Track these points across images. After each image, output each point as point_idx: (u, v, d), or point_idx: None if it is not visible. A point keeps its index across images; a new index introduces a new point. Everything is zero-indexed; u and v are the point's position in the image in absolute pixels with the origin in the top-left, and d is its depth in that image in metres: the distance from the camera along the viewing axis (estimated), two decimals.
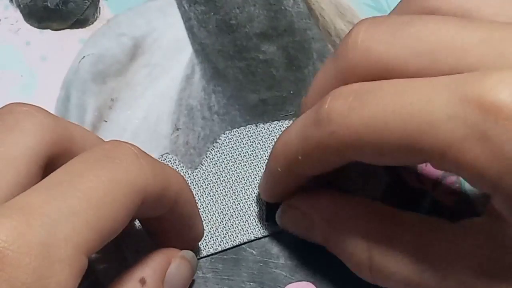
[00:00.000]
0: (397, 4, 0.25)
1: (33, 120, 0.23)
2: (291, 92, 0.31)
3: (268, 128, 0.30)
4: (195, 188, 0.29)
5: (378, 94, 0.21)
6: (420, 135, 0.20)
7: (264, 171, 0.27)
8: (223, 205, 0.29)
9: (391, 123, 0.21)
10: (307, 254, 0.28)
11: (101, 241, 0.21)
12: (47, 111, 0.24)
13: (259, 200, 0.29)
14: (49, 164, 0.23)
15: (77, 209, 0.20)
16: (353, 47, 0.23)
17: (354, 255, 0.25)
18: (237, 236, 0.29)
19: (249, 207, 0.29)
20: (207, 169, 0.30)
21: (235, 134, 0.30)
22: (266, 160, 0.30)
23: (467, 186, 0.29)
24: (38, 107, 0.24)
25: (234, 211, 0.29)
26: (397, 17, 0.23)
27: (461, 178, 0.29)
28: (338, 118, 0.22)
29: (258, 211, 0.29)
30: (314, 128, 0.23)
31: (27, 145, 0.22)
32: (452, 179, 0.30)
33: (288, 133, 0.25)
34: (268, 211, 0.29)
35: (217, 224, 0.29)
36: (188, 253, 0.26)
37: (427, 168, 0.30)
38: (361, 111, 0.21)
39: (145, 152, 0.23)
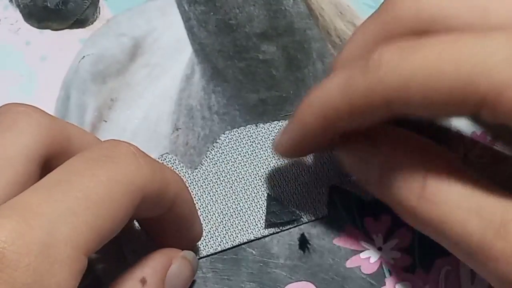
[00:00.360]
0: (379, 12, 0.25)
1: (29, 120, 0.23)
2: (291, 92, 0.31)
3: (268, 128, 0.30)
4: (195, 188, 0.29)
5: (431, 42, 0.21)
6: (475, 76, 0.20)
7: (288, 125, 0.26)
8: (223, 205, 0.29)
9: (444, 67, 0.20)
10: (307, 254, 0.28)
11: (100, 241, 0.21)
12: (43, 111, 0.24)
13: (259, 199, 0.29)
14: (47, 164, 0.23)
15: (76, 209, 0.20)
16: None
17: (406, 185, 0.23)
18: (237, 236, 0.29)
19: (249, 207, 0.29)
20: (207, 169, 0.30)
21: (235, 134, 0.30)
22: (266, 160, 0.30)
23: None
24: (35, 107, 0.24)
25: (234, 211, 0.29)
26: None
27: None
28: (388, 64, 0.21)
29: (258, 211, 0.29)
30: (361, 75, 0.22)
31: (24, 144, 0.22)
32: None
33: (327, 83, 0.24)
34: (268, 211, 0.29)
35: (217, 224, 0.29)
36: (189, 254, 0.26)
37: None
38: (413, 57, 0.21)
39: (143, 152, 0.23)
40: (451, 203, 0.22)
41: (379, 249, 0.28)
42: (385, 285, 0.28)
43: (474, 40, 0.20)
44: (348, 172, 0.27)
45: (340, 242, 0.29)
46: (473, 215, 0.22)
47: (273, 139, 0.30)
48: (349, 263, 0.28)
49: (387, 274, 0.28)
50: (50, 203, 0.20)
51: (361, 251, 0.28)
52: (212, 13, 0.32)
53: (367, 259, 0.28)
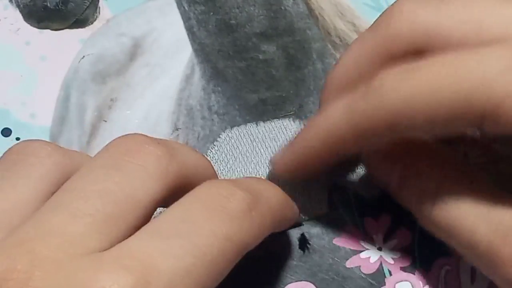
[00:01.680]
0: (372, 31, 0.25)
1: (159, 165, 0.22)
2: (291, 92, 0.31)
3: (268, 127, 0.30)
4: None
5: (430, 63, 0.21)
6: (474, 91, 0.20)
7: (290, 148, 0.27)
8: None
9: (444, 86, 0.21)
10: (307, 254, 0.28)
11: None
12: (174, 152, 0.23)
13: None
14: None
15: (193, 269, 0.20)
16: (398, 15, 0.23)
17: (421, 192, 0.25)
18: None
19: None
20: None
21: (235, 133, 0.30)
22: (267, 159, 0.30)
23: None
24: (165, 147, 0.23)
25: None
26: None
27: None
28: (389, 87, 0.22)
29: None
30: (363, 100, 0.23)
31: (154, 190, 0.22)
32: None
33: (331, 108, 0.24)
34: None
35: None
36: None
37: None
38: (413, 79, 0.21)
39: (256, 201, 0.23)
40: (461, 210, 0.23)
41: (379, 249, 0.28)
42: (385, 285, 0.28)
43: (471, 56, 0.21)
44: (370, 172, 0.28)
45: (340, 242, 0.29)
46: (481, 221, 0.23)
47: (274, 137, 0.30)
48: (349, 263, 0.28)
49: (387, 274, 0.28)
50: (169, 259, 0.20)
51: (361, 251, 0.28)
52: (212, 13, 0.32)
53: (367, 259, 0.28)
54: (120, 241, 0.20)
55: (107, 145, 0.23)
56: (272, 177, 0.29)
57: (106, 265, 0.19)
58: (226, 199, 0.22)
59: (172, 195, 0.23)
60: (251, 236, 0.22)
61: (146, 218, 0.22)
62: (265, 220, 0.23)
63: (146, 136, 0.23)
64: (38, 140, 0.24)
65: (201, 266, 0.20)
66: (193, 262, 0.20)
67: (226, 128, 0.31)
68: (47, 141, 0.24)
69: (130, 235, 0.21)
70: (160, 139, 0.24)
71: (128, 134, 0.23)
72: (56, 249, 0.19)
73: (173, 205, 0.22)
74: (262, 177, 0.29)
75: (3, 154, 0.24)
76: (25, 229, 0.20)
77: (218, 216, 0.21)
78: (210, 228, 0.21)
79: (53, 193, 0.22)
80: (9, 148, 0.24)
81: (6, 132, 0.31)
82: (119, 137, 0.23)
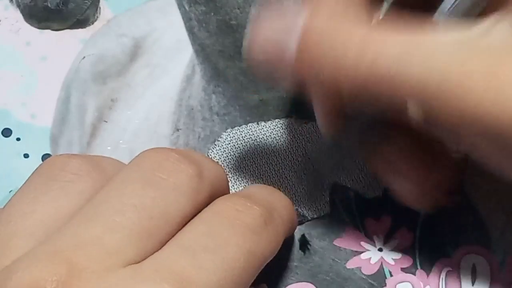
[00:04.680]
0: None
1: (189, 183, 0.23)
2: (292, 92, 0.31)
3: (269, 126, 0.30)
4: None
5: None
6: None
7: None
8: None
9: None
10: (308, 255, 0.28)
11: None
12: (198, 169, 0.24)
13: None
14: None
15: (223, 283, 0.21)
16: None
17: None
18: None
19: None
20: None
21: (236, 133, 0.30)
22: (268, 158, 0.30)
23: (467, 187, 0.29)
24: (191, 165, 0.24)
25: None
26: None
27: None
28: None
29: None
30: None
31: (184, 206, 0.23)
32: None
33: None
34: None
35: None
36: None
37: None
38: None
39: (271, 215, 0.24)
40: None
41: (380, 250, 0.28)
42: (385, 286, 0.28)
43: None
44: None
45: (341, 243, 0.29)
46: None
47: (275, 137, 0.30)
48: (350, 264, 0.28)
49: (387, 275, 0.28)
50: (203, 273, 0.20)
51: (362, 252, 0.28)
52: (212, 14, 0.32)
53: (368, 260, 0.28)
54: (151, 254, 0.21)
55: (138, 157, 0.24)
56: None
57: (145, 277, 0.20)
58: (244, 214, 0.23)
59: (199, 211, 0.23)
60: (269, 249, 0.23)
61: (174, 233, 0.22)
62: (279, 232, 0.24)
63: (178, 151, 0.24)
64: (78, 156, 0.24)
65: (231, 280, 0.21)
66: (224, 276, 0.21)
67: (226, 128, 0.31)
68: (86, 158, 0.24)
69: (160, 249, 0.21)
70: (189, 153, 0.24)
71: (159, 149, 0.24)
72: (94, 260, 0.20)
73: (194, 220, 0.23)
74: (264, 177, 0.30)
75: (42, 165, 0.24)
76: (62, 238, 0.21)
77: (240, 230, 0.22)
78: (235, 242, 0.22)
79: None
80: (49, 161, 0.24)
81: (6, 132, 0.31)
82: (151, 150, 0.24)
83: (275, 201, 0.25)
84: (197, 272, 0.20)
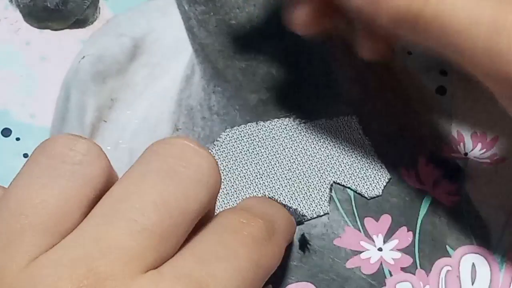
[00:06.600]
0: None
1: (210, 172, 0.23)
2: (291, 92, 0.31)
3: (268, 126, 0.30)
4: None
5: None
6: None
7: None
8: (224, 203, 0.29)
9: None
10: (307, 255, 0.28)
11: None
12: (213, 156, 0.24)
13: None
14: None
15: None
16: None
17: None
18: None
19: None
20: None
21: (235, 133, 0.30)
22: (267, 158, 0.30)
23: (467, 187, 0.29)
24: (209, 156, 0.23)
25: None
26: None
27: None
28: None
29: None
30: None
31: (203, 199, 0.23)
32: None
33: None
34: None
35: None
36: None
37: (427, 168, 0.30)
38: None
39: (273, 227, 0.24)
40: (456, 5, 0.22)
41: (379, 249, 0.28)
42: (385, 285, 0.28)
43: None
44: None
45: (340, 243, 0.29)
46: (481, 9, 0.22)
47: (274, 136, 0.30)
48: (349, 264, 0.28)
49: (387, 275, 0.28)
50: (220, 281, 0.21)
51: (361, 252, 0.28)
52: (212, 13, 0.32)
53: (367, 260, 0.28)
54: (170, 257, 0.21)
55: (155, 146, 0.23)
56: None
57: (167, 285, 0.20)
58: (249, 226, 0.23)
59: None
60: (274, 260, 0.24)
61: (189, 231, 0.22)
62: (281, 243, 0.25)
63: (191, 139, 0.23)
64: (83, 137, 0.23)
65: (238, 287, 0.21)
66: (237, 285, 0.21)
67: (226, 128, 0.30)
68: (92, 141, 0.23)
69: (175, 253, 0.21)
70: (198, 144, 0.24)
71: (174, 137, 0.24)
72: (117, 266, 0.20)
73: (204, 230, 0.23)
74: (263, 176, 0.30)
75: (46, 144, 0.23)
76: (83, 242, 0.20)
77: (247, 241, 0.22)
78: (245, 253, 0.22)
79: (99, 196, 0.22)
80: (52, 140, 0.23)
81: (6, 132, 0.31)
82: (165, 139, 0.23)
83: (275, 213, 0.25)
84: (213, 280, 0.21)
